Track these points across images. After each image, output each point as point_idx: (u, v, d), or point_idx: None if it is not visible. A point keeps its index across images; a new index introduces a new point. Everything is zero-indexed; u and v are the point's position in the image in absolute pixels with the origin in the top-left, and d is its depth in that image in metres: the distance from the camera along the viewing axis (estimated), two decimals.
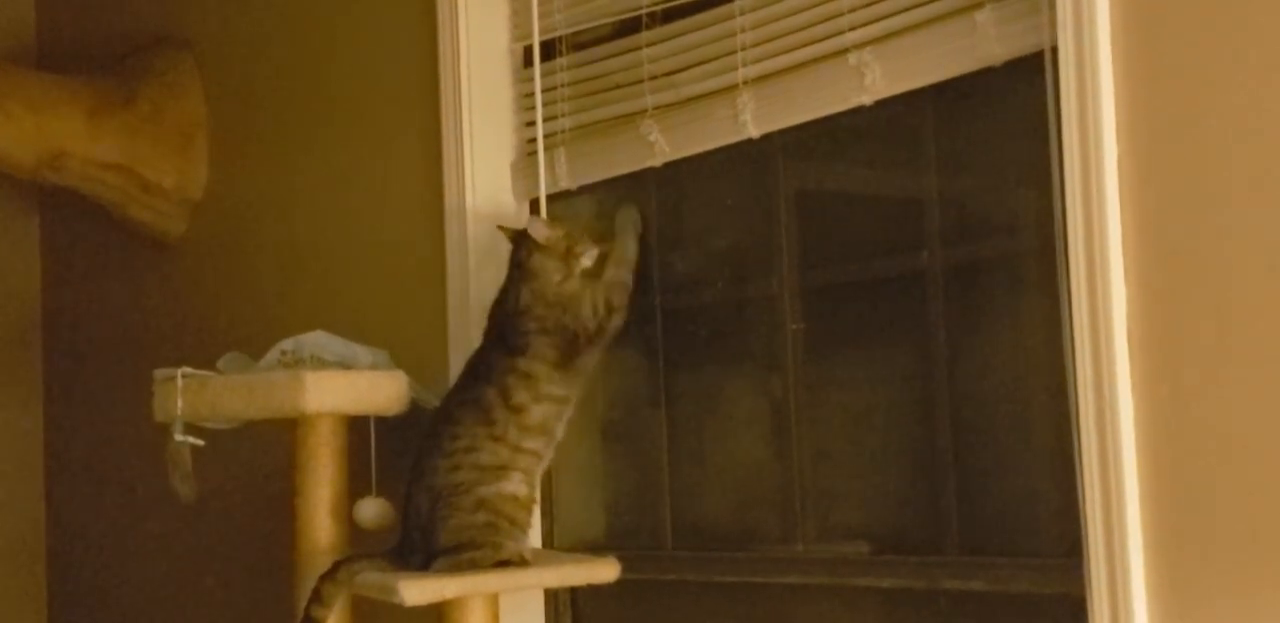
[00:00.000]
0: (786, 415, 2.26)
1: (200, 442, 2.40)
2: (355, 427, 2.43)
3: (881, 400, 2.17)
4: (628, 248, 2.33)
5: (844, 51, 2.08)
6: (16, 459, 3.89)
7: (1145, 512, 1.70)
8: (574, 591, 2.53)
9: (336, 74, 2.95)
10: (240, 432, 2.56)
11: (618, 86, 2.43)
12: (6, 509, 3.88)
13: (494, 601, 2.21)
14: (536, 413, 2.22)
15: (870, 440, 2.19)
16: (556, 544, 2.56)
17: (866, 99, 2.06)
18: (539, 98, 2.53)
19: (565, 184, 2.50)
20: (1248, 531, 1.62)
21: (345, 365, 2.45)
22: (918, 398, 2.11)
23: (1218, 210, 1.65)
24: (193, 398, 2.39)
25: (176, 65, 3.34)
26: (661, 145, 2.35)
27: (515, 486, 2.21)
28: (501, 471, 2.20)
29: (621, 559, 2.24)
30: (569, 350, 2.24)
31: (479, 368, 2.28)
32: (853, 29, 2.07)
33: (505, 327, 2.28)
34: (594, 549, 2.48)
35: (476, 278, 2.52)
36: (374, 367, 2.47)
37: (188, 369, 2.40)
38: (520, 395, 2.22)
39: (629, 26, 2.43)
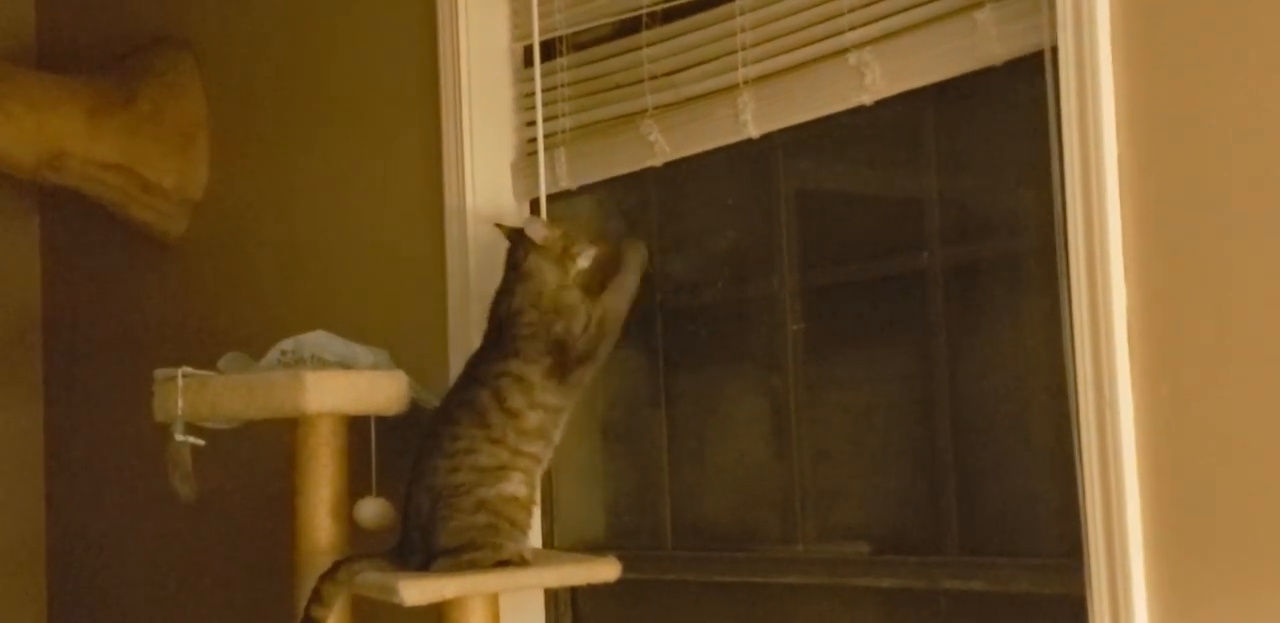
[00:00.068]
0: (787, 415, 2.26)
1: (200, 442, 2.40)
2: (355, 427, 2.43)
3: (882, 400, 2.17)
4: (630, 281, 2.30)
5: (844, 51, 2.08)
6: (16, 459, 3.89)
7: (1145, 512, 1.70)
8: (574, 591, 2.53)
9: (336, 74, 2.95)
10: (240, 432, 2.56)
11: (618, 86, 2.43)
12: (6, 509, 3.88)
13: (494, 601, 2.21)
14: (534, 419, 2.22)
15: (870, 440, 2.19)
16: (557, 544, 2.56)
17: (866, 99, 2.06)
18: (539, 98, 2.53)
19: (565, 184, 2.50)
20: (1248, 531, 1.62)
21: (345, 365, 2.45)
22: (918, 398, 2.11)
23: (1218, 210, 1.65)
24: (193, 398, 2.39)
25: (176, 65, 3.34)
26: (661, 145, 2.35)
27: (515, 487, 2.21)
28: (501, 472, 2.20)
29: (622, 559, 2.24)
30: (560, 361, 2.23)
31: (476, 370, 2.28)
32: (853, 29, 2.07)
33: (501, 328, 2.28)
34: (594, 549, 2.48)
35: (476, 278, 2.52)
36: (374, 367, 2.47)
37: (188, 369, 2.40)
38: (516, 400, 2.21)
39: (629, 26, 2.43)
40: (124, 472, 3.51)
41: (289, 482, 2.41)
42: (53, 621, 3.90)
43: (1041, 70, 1.82)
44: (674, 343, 2.41)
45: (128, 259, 3.57)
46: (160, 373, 2.44)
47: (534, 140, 2.54)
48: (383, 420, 2.43)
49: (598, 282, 2.31)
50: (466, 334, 2.49)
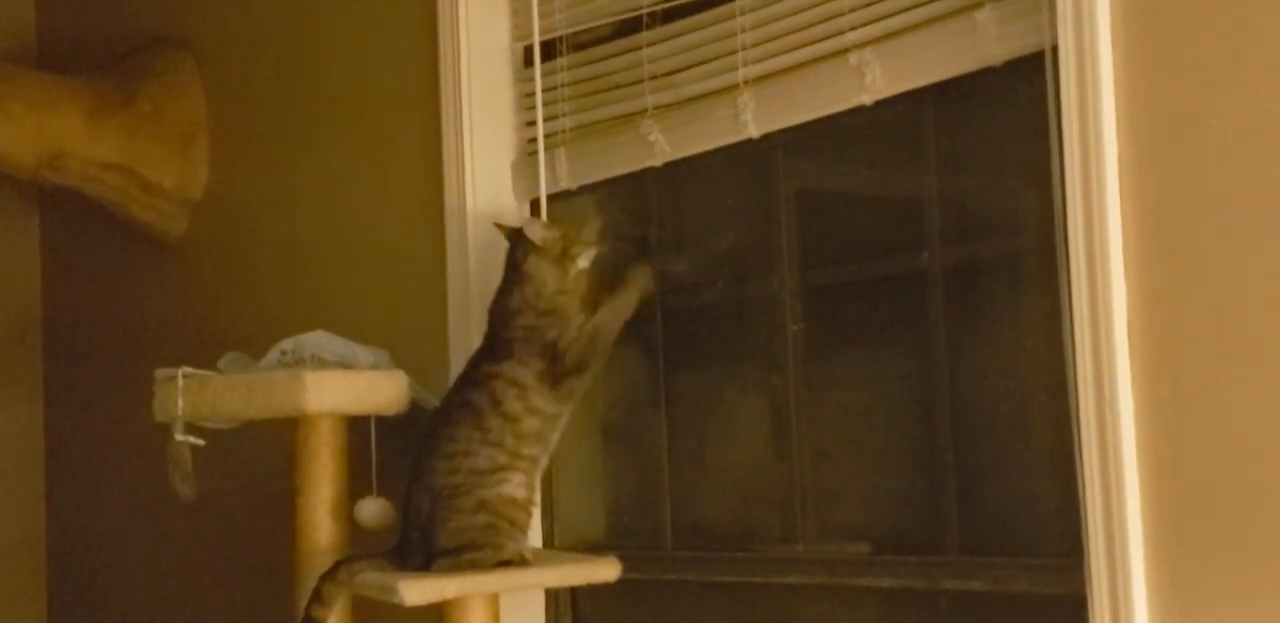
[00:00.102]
0: (787, 416, 2.26)
1: (200, 442, 2.40)
2: (355, 427, 2.43)
3: (882, 400, 2.17)
4: (626, 301, 2.27)
5: (844, 51, 2.08)
6: (16, 459, 3.89)
7: (1145, 512, 1.70)
8: (574, 591, 2.53)
9: (336, 74, 2.95)
10: (240, 432, 2.56)
11: (618, 86, 2.43)
12: (6, 509, 3.88)
13: (494, 601, 2.21)
14: (531, 424, 2.21)
15: (870, 440, 2.19)
16: (557, 544, 2.56)
17: (867, 99, 2.06)
18: (539, 98, 2.53)
19: (565, 184, 2.50)
20: (1248, 531, 1.62)
21: (345, 365, 2.45)
22: (918, 398, 2.11)
23: (1218, 210, 1.65)
24: (193, 398, 2.39)
25: (176, 65, 3.34)
26: (662, 145, 2.35)
27: (514, 488, 2.21)
28: (499, 473, 2.20)
29: (622, 559, 2.24)
30: (553, 367, 2.22)
31: (474, 370, 2.28)
32: (853, 29, 2.07)
33: (499, 329, 2.28)
34: (594, 549, 2.48)
35: (476, 278, 2.51)
36: (374, 367, 2.47)
37: (188, 369, 2.40)
38: (512, 404, 2.21)
39: (629, 26, 2.43)
40: (124, 472, 3.51)
41: (289, 482, 2.41)
42: (53, 621, 3.90)
43: (1041, 70, 1.82)
44: (674, 343, 2.41)
45: (128, 259, 3.57)
46: (160, 373, 2.45)
47: (534, 140, 2.54)
48: (383, 420, 2.43)
49: (602, 289, 2.30)
50: (466, 334, 2.49)
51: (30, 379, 3.92)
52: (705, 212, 2.42)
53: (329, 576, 2.22)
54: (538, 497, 2.29)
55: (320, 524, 2.38)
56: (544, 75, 2.53)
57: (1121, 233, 1.72)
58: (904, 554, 2.10)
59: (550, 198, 2.48)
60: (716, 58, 2.27)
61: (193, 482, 2.42)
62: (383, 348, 2.53)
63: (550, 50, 2.54)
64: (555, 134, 2.52)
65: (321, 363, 2.44)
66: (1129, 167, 1.72)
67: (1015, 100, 1.93)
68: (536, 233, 2.27)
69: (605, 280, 2.32)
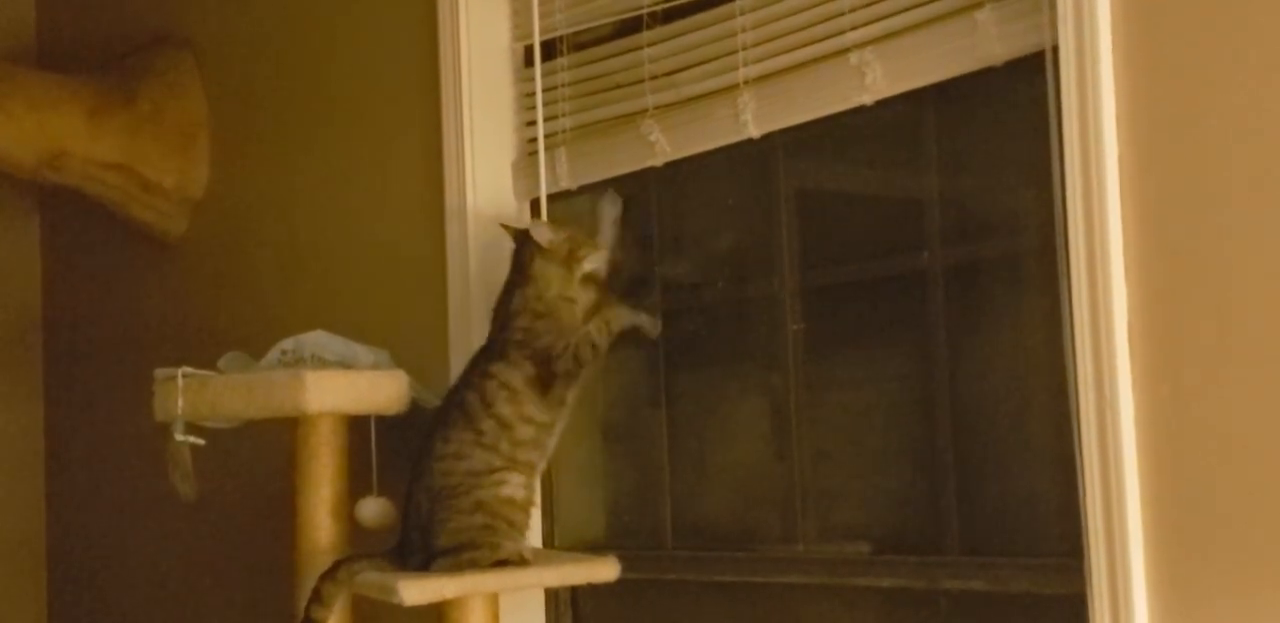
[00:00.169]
0: (787, 415, 2.26)
1: (200, 441, 2.40)
2: (356, 426, 2.42)
3: (882, 400, 2.17)
4: (622, 318, 2.27)
5: (845, 51, 2.08)
6: (16, 459, 3.89)
7: (1145, 512, 1.70)
8: (574, 590, 2.53)
9: (336, 74, 2.95)
10: (240, 432, 2.56)
11: (618, 86, 2.43)
12: (6, 509, 3.88)
13: (494, 600, 2.21)
14: (526, 432, 2.21)
15: (870, 440, 2.19)
16: (556, 544, 2.56)
17: (867, 99, 2.06)
18: (539, 97, 2.53)
19: (566, 184, 2.50)
20: (1248, 531, 1.62)
21: (346, 365, 2.45)
22: (918, 398, 2.11)
23: (1218, 210, 1.65)
24: (193, 398, 2.39)
25: (177, 65, 3.34)
26: (662, 145, 2.35)
27: (512, 489, 2.21)
28: (496, 475, 2.20)
29: (621, 559, 2.24)
30: (545, 372, 2.21)
31: (471, 371, 2.28)
32: (853, 29, 2.07)
33: (498, 329, 2.28)
34: (594, 549, 2.48)
35: (476, 278, 2.52)
36: (374, 367, 2.47)
37: (188, 369, 2.40)
38: (503, 407, 2.20)
39: (629, 26, 2.43)
40: (124, 472, 3.51)
41: (289, 482, 2.41)
42: (53, 621, 3.90)
43: (1042, 70, 1.82)
44: (674, 343, 2.41)
45: (128, 259, 3.57)
46: (160, 373, 2.44)
47: (534, 140, 2.54)
48: (383, 420, 2.43)
49: (606, 293, 2.30)
50: (466, 334, 2.49)
51: (30, 379, 3.92)
52: (706, 211, 2.42)
53: (329, 575, 2.22)
54: (537, 497, 2.29)
55: (320, 524, 2.38)
56: (544, 75, 2.53)
57: (1122, 233, 1.72)
58: (904, 554, 2.10)
59: (550, 198, 2.48)
60: (717, 58, 2.27)
61: (193, 481, 2.42)
62: (383, 348, 2.53)
63: (550, 50, 2.54)
64: (555, 134, 2.52)
65: (322, 363, 2.44)
66: (1129, 167, 1.72)
67: (1015, 100, 1.93)
68: (543, 235, 2.27)
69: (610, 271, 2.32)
